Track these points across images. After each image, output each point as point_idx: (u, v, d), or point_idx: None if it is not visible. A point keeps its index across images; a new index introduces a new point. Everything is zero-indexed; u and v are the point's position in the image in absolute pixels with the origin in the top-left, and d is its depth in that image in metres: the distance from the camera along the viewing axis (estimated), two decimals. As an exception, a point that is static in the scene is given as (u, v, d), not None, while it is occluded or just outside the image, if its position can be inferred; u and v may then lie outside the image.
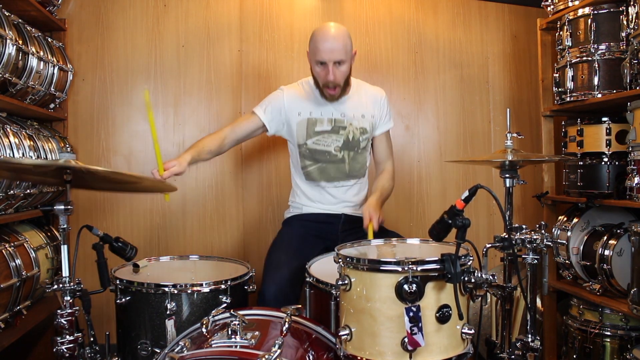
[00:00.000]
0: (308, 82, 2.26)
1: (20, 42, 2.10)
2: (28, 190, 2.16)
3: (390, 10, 2.99)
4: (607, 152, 2.28)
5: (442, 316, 1.25)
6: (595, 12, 2.26)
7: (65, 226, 1.57)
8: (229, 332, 1.32)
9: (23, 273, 2.03)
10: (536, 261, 1.55)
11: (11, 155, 2.01)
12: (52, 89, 2.43)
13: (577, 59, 2.33)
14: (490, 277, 1.34)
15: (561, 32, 2.44)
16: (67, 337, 1.52)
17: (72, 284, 1.55)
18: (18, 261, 2.03)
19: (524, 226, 1.56)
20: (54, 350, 1.52)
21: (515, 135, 1.72)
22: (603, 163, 2.29)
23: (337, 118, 2.21)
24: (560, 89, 2.45)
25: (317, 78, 2.15)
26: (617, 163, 2.26)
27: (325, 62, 2.06)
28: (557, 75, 2.48)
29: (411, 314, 1.21)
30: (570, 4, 2.42)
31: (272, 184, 2.89)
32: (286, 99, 2.23)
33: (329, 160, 2.22)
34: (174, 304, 1.66)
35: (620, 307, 2.14)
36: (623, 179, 2.14)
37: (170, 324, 1.65)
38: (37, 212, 2.33)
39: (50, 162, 1.63)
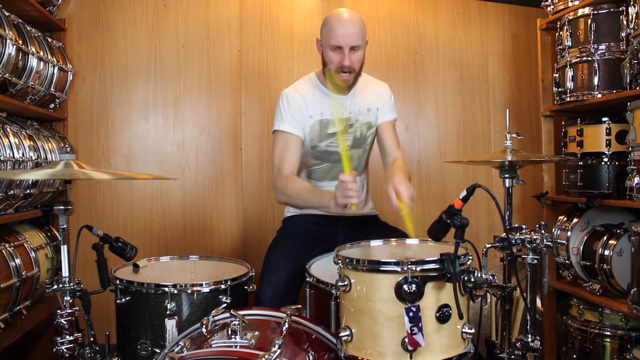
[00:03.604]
0: (310, 79, 2.18)
1: (20, 42, 2.10)
2: (28, 190, 2.16)
3: (390, 10, 2.99)
4: (607, 152, 2.28)
5: (442, 316, 1.25)
6: (595, 12, 2.26)
7: (65, 226, 1.57)
8: (229, 332, 1.32)
9: (23, 273, 2.03)
10: (536, 261, 1.55)
11: (11, 155, 2.01)
12: (52, 89, 2.43)
13: (577, 59, 2.33)
14: (490, 277, 1.34)
15: (561, 32, 2.44)
16: (67, 337, 1.52)
17: (72, 284, 1.55)
18: (18, 261, 2.03)
19: (523, 226, 1.56)
20: (54, 350, 1.52)
21: (514, 135, 1.72)
22: (603, 163, 2.29)
23: (346, 117, 2.13)
24: (560, 89, 2.45)
25: (329, 64, 2.03)
26: (617, 163, 2.26)
27: (341, 47, 1.98)
28: (557, 75, 2.48)
29: (411, 314, 1.21)
30: (570, 4, 2.42)
31: (272, 183, 2.88)
32: (301, 103, 2.11)
33: (339, 160, 2.13)
34: (174, 304, 1.66)
35: (620, 307, 2.14)
36: (623, 179, 2.14)
37: (170, 324, 1.65)
38: (37, 212, 2.33)
39: (47, 175, 1.63)
